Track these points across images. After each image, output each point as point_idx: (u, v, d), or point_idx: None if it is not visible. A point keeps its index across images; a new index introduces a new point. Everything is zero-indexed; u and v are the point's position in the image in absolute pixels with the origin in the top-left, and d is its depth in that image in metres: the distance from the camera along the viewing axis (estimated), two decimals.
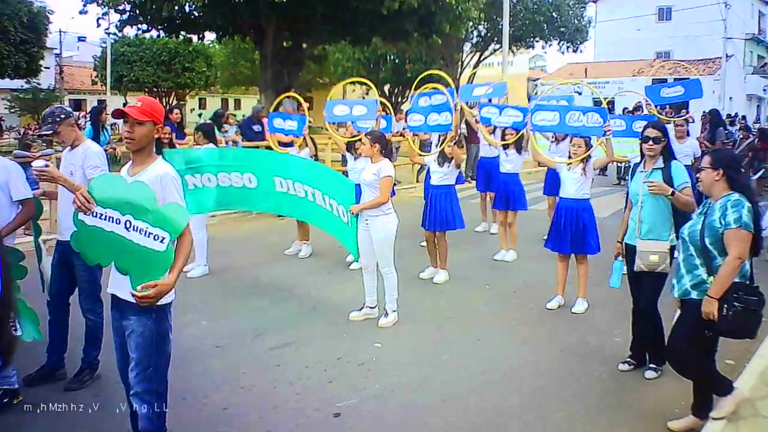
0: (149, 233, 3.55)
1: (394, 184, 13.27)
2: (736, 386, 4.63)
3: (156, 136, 3.80)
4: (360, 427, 4.71)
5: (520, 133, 9.10)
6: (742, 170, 4.64)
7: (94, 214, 3.70)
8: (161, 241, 3.54)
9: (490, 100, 11.92)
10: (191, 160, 7.96)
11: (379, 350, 6.16)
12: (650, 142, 5.46)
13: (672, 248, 5.29)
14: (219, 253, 9.32)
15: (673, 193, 5.23)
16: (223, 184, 7.88)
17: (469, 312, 7.31)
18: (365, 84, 11.48)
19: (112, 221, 3.66)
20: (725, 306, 4.19)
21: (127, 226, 3.61)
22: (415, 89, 9.91)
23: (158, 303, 3.70)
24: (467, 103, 11.59)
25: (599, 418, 4.88)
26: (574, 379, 5.57)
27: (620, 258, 5.83)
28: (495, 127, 9.77)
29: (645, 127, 5.66)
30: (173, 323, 3.97)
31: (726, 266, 4.20)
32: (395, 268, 6.93)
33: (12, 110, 41.99)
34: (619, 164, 14.86)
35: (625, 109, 17.42)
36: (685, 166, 9.77)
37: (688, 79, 10.61)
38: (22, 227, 5.35)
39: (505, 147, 9.62)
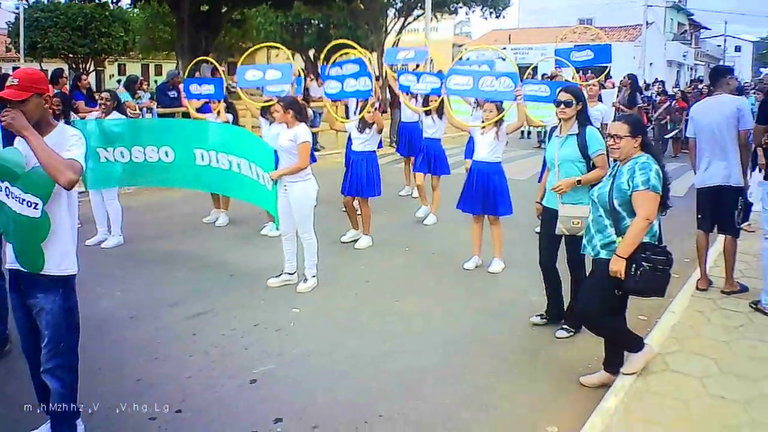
0: (23, 200, 3.48)
1: (317, 150, 13.24)
2: (647, 343, 4.78)
3: (46, 105, 3.64)
4: (276, 392, 4.68)
5: (441, 98, 9.12)
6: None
7: None
8: (35, 208, 3.47)
9: (417, 66, 11.96)
10: (104, 132, 7.75)
11: (297, 315, 6.14)
12: (562, 106, 5.50)
13: None
14: (134, 223, 9.12)
15: (579, 182, 5.34)
16: (136, 160, 7.68)
17: (388, 275, 7.35)
18: (287, 49, 11.31)
19: None
20: (633, 265, 4.29)
21: (7, 193, 3.52)
22: (326, 59, 9.78)
23: (63, 274, 3.65)
24: (391, 66, 11.57)
25: (513, 374, 4.99)
26: (490, 337, 5.67)
27: None
28: (418, 94, 9.80)
29: (558, 91, 5.69)
30: (86, 295, 3.87)
31: (634, 226, 4.29)
32: (315, 233, 6.88)
33: None
34: (538, 129, 15.07)
35: (544, 75, 17.66)
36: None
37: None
38: None
39: (428, 113, 9.65)
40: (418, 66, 11.18)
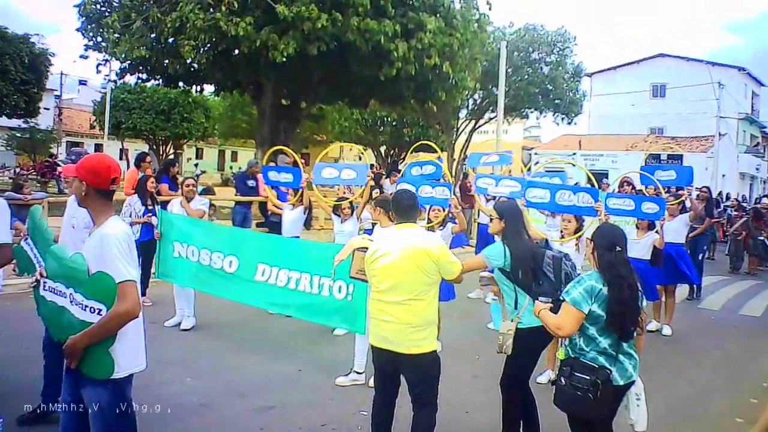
0: (86, 306, 3.47)
1: None
2: None
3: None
4: None
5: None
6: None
7: (50, 289, 3.66)
8: (99, 314, 3.43)
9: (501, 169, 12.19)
10: (184, 226, 7.99)
11: (365, 419, 6.01)
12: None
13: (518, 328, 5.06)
14: (208, 307, 9.18)
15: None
16: (203, 262, 7.78)
17: (457, 383, 7.14)
18: (361, 145, 11.74)
19: (61, 294, 3.60)
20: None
21: (71, 299, 3.54)
22: (402, 156, 10.11)
23: (122, 376, 3.55)
24: (473, 168, 11.88)
25: None
26: None
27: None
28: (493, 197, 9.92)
29: None
30: (157, 379, 3.77)
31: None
32: None
33: (8, 148, 42.11)
34: None
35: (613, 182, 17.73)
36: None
37: (680, 164, 10.94)
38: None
39: None
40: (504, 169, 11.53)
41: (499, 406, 6.41)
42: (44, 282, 3.71)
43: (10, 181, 23.11)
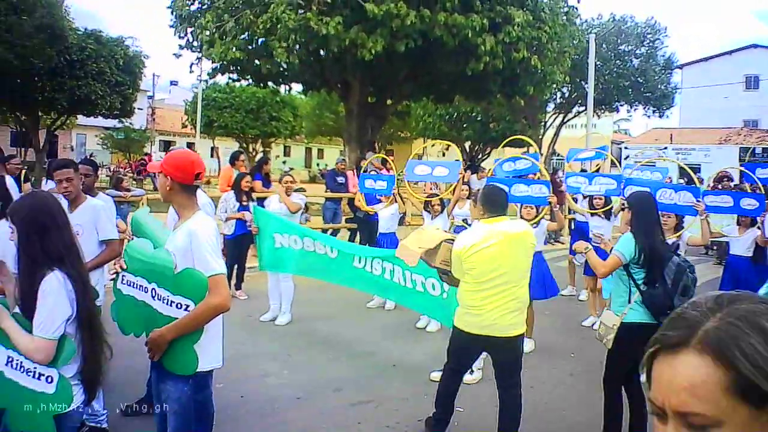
0: (172, 302, 3.46)
1: None
2: None
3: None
4: None
5: (611, 203, 9.01)
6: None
7: (129, 283, 3.66)
8: (185, 309, 3.43)
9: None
10: (281, 221, 8.19)
11: (461, 415, 6.01)
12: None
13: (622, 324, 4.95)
14: (304, 302, 9.32)
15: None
16: (308, 249, 7.96)
17: (553, 382, 7.08)
18: (446, 143, 11.77)
19: (142, 290, 3.59)
20: None
21: (153, 294, 3.53)
22: (485, 151, 10.10)
23: (203, 371, 3.57)
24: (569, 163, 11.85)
25: None
26: None
27: None
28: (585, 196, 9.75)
29: None
30: (255, 371, 3.81)
31: None
32: None
33: (104, 147, 43.87)
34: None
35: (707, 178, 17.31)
36: None
37: None
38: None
39: (594, 214, 9.51)
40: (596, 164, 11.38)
41: (598, 406, 6.29)
42: (123, 276, 3.71)
43: (107, 178, 24.14)
